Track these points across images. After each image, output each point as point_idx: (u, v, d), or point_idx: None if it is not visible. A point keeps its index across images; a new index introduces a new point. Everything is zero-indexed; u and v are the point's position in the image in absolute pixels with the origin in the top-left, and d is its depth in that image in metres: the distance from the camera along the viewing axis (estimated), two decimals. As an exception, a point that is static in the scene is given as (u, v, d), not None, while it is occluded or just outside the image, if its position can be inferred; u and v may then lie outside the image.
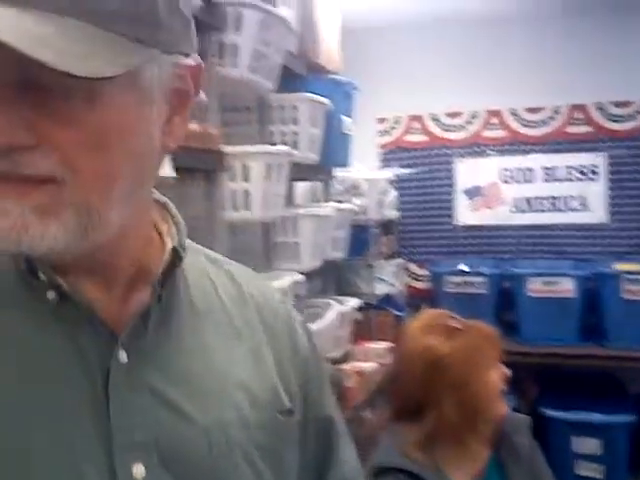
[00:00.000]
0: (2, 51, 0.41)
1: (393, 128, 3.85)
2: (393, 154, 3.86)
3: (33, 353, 0.51)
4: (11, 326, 0.52)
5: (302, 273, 2.15)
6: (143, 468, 0.51)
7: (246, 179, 1.80)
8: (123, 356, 0.53)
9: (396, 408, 1.43)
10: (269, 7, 1.87)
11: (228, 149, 1.74)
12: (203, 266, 0.66)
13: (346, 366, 2.56)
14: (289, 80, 2.21)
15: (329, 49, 2.54)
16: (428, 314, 1.51)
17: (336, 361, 2.45)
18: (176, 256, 0.58)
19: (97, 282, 0.55)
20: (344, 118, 2.57)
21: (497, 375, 1.38)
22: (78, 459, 0.49)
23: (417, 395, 1.36)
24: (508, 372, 1.40)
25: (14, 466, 0.48)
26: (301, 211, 2.23)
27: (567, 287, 3.24)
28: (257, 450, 0.58)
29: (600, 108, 3.56)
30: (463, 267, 3.53)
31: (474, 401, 1.34)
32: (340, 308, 2.44)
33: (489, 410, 1.36)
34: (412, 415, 1.37)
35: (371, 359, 2.75)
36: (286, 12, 2.09)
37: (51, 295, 0.52)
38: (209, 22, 1.71)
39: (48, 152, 0.46)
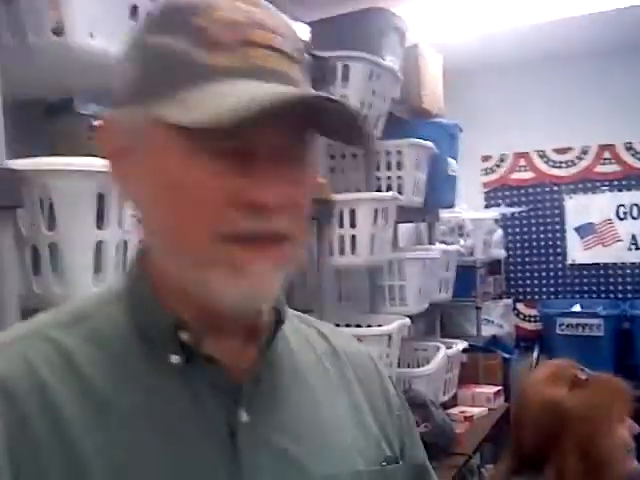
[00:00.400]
0: (276, 119, 0.48)
1: (498, 166, 3.80)
2: (498, 192, 3.79)
3: (164, 417, 0.53)
4: (136, 392, 0.53)
5: (408, 316, 2.16)
6: None
7: (353, 225, 1.85)
8: (244, 416, 0.54)
9: (516, 459, 1.40)
10: (376, 58, 1.94)
11: (337, 197, 1.80)
12: (295, 323, 0.67)
13: (454, 410, 2.52)
14: (394, 126, 2.26)
15: (433, 93, 2.57)
16: (553, 363, 1.48)
17: (444, 405, 2.42)
18: (279, 315, 0.59)
19: (228, 343, 0.56)
20: (449, 160, 2.58)
21: (625, 430, 1.32)
22: None
23: (540, 447, 1.33)
24: (638, 428, 1.34)
25: None
26: (408, 255, 2.25)
27: (693, 329, 3.03)
28: None
29: None
30: (576, 308, 3.39)
31: (599, 456, 1.29)
32: (447, 351, 2.42)
33: (615, 466, 1.30)
34: (533, 468, 1.34)
35: (479, 403, 2.69)
36: (392, 60, 2.15)
37: (175, 359, 0.54)
38: (316, 76, 1.80)
39: (286, 211, 0.51)
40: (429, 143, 2.31)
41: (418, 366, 2.42)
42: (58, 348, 0.54)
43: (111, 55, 0.98)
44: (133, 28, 0.56)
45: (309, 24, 1.96)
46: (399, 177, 2.22)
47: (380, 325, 2.00)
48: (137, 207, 0.57)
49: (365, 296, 2.28)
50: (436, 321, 2.87)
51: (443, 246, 2.62)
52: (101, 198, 0.92)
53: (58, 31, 0.92)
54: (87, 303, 0.59)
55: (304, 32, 1.91)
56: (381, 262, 2.11)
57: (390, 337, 1.96)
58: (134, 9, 1.02)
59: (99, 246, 0.93)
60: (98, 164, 0.89)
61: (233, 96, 0.47)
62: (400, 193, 2.15)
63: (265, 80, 0.50)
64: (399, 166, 2.22)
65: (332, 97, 0.50)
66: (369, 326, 2.04)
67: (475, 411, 2.56)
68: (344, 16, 2.12)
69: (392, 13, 2.20)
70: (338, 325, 2.01)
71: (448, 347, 2.48)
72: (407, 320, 2.05)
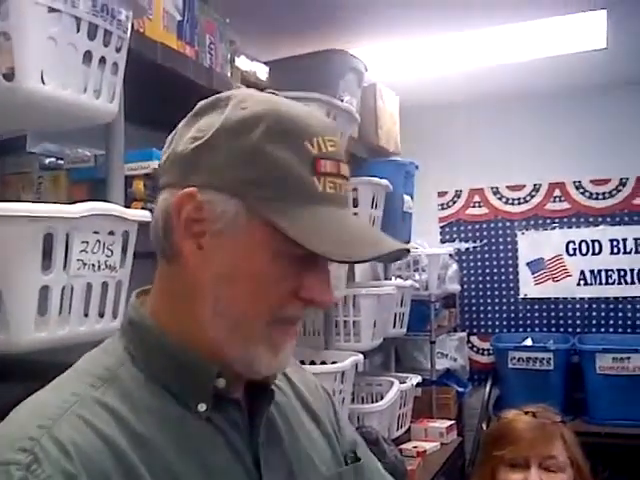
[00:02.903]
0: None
1: (454, 202, 3.89)
2: (454, 227, 3.88)
3: (209, 460, 0.62)
4: (182, 445, 0.61)
5: (363, 351, 2.18)
6: None
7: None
8: (263, 448, 0.66)
9: None
10: (332, 99, 1.98)
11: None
12: None
13: (407, 445, 2.53)
14: (351, 164, 2.29)
15: (389, 131, 2.64)
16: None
17: (397, 440, 2.43)
18: None
19: (239, 390, 0.67)
20: (405, 196, 2.63)
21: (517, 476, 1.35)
22: None
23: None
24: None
25: None
26: (362, 291, 2.27)
27: (639, 364, 3.11)
28: None
29: (668, 179, 3.50)
30: (528, 342, 3.46)
31: None
32: (401, 386, 2.44)
33: None
34: None
35: (432, 438, 2.70)
36: (349, 100, 2.20)
37: (202, 407, 0.63)
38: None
39: None
40: (384, 181, 2.35)
41: (373, 401, 2.43)
42: (108, 410, 0.59)
43: (63, 99, 0.98)
44: (246, 126, 0.62)
45: (267, 64, 2.00)
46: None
47: (334, 362, 2.01)
48: (203, 282, 0.62)
49: (319, 331, 2.29)
50: (391, 355, 2.89)
51: (398, 281, 2.66)
52: (48, 241, 0.92)
53: (9, 77, 0.92)
54: (105, 363, 0.64)
55: (262, 72, 1.94)
56: (336, 298, 2.13)
57: (343, 374, 1.97)
58: (88, 55, 1.03)
59: (44, 291, 0.92)
60: (44, 209, 0.90)
61: (344, 232, 0.62)
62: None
63: (341, 206, 0.64)
64: (355, 203, 2.26)
65: (407, 249, 0.66)
66: (323, 363, 2.05)
67: (428, 446, 2.58)
68: (303, 57, 2.17)
69: (350, 54, 2.26)
70: (292, 361, 2.02)
71: (402, 382, 2.50)
72: (360, 357, 2.07)
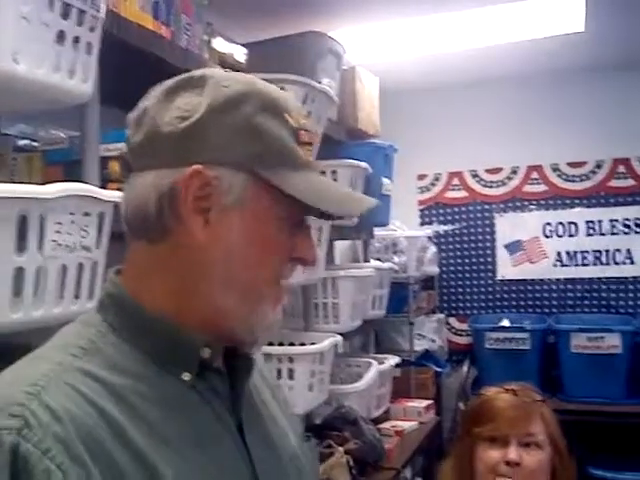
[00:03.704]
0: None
1: (433, 185, 3.91)
2: (433, 210, 3.91)
3: (194, 425, 0.64)
4: (167, 409, 0.63)
5: (342, 333, 2.20)
6: None
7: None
8: (244, 414, 0.70)
9: None
10: (311, 81, 1.98)
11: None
12: None
13: (385, 425, 2.57)
14: (330, 147, 2.30)
15: (368, 114, 2.64)
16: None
17: (376, 420, 2.47)
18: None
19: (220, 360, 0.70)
20: (384, 179, 2.64)
21: (497, 453, 1.37)
22: None
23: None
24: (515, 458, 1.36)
25: None
26: (341, 273, 2.29)
27: (613, 343, 3.18)
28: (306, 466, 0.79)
29: (643, 161, 3.56)
30: (505, 323, 3.51)
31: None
32: (379, 367, 2.47)
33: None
34: None
35: (410, 417, 2.74)
36: (328, 83, 2.19)
37: (186, 376, 0.65)
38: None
39: None
40: (363, 163, 2.36)
41: (352, 382, 2.46)
42: (94, 377, 0.60)
43: (36, 80, 0.98)
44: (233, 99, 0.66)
45: (245, 46, 1.98)
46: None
47: (313, 343, 2.03)
48: (211, 256, 0.65)
49: (299, 313, 2.30)
50: (370, 337, 2.92)
51: (377, 263, 2.68)
52: (22, 222, 0.91)
53: (-20, 56, 0.91)
54: (87, 336, 0.64)
55: (239, 54, 1.93)
56: (315, 280, 2.14)
57: (322, 355, 1.99)
58: (61, 34, 1.02)
59: (18, 272, 0.92)
60: (17, 189, 0.89)
61: (334, 192, 0.70)
62: (336, 218, 2.18)
63: (318, 171, 0.72)
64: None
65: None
66: (302, 344, 2.06)
67: (406, 425, 2.61)
68: (281, 39, 2.16)
69: (329, 37, 2.25)
70: (272, 344, 2.03)
71: (381, 363, 2.53)
72: (339, 338, 2.09)
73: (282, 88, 1.94)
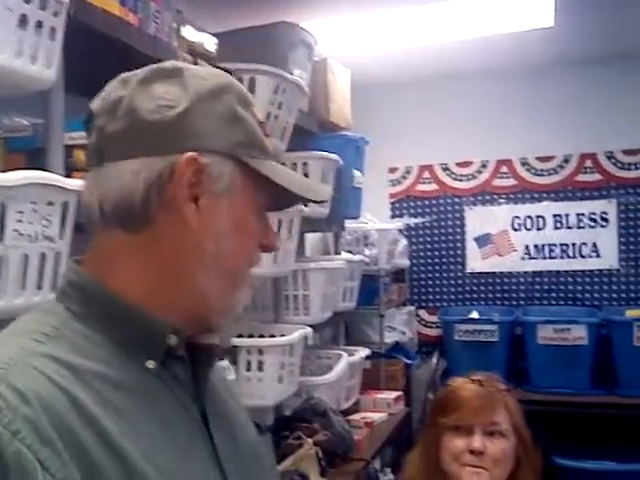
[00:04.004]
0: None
1: (404, 178, 3.93)
2: (404, 203, 3.93)
3: (160, 413, 0.64)
4: (133, 395, 0.62)
5: (312, 325, 2.20)
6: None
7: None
8: (207, 402, 0.70)
9: None
10: (282, 72, 1.96)
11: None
12: None
13: (355, 416, 2.58)
14: (301, 138, 2.29)
15: (340, 106, 2.64)
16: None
17: (345, 412, 2.47)
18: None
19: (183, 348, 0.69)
20: (355, 172, 2.64)
21: (461, 442, 1.39)
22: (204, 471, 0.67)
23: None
24: (479, 446, 1.38)
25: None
26: (312, 265, 2.29)
27: (578, 334, 3.24)
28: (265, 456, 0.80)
29: (609, 156, 3.62)
30: (474, 315, 3.55)
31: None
32: (349, 359, 2.47)
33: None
34: None
35: (380, 409, 2.76)
36: (299, 74, 2.18)
37: (151, 364, 0.65)
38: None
39: None
40: (334, 155, 2.36)
41: (322, 374, 2.46)
42: (61, 363, 0.59)
43: (-3, 64, 0.95)
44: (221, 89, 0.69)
45: (216, 35, 1.96)
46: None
47: (283, 335, 2.03)
48: (198, 242, 0.66)
49: (269, 306, 2.30)
50: (340, 329, 2.93)
51: (348, 256, 2.68)
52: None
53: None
54: (49, 323, 0.63)
55: (210, 43, 1.90)
56: (285, 272, 2.14)
57: (292, 347, 1.99)
58: (23, 18, 1.00)
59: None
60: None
61: (303, 181, 0.80)
62: (305, 204, 2.19)
63: (281, 162, 0.76)
64: (305, 177, 2.26)
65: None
66: (272, 336, 2.06)
67: (375, 416, 2.63)
68: (253, 29, 2.14)
69: (301, 27, 2.24)
70: (241, 335, 2.02)
71: (351, 354, 2.54)
72: (309, 330, 2.09)
73: (253, 78, 1.94)
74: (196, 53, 1.76)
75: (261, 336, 2.08)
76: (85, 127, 0.69)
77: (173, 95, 0.65)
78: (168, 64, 0.69)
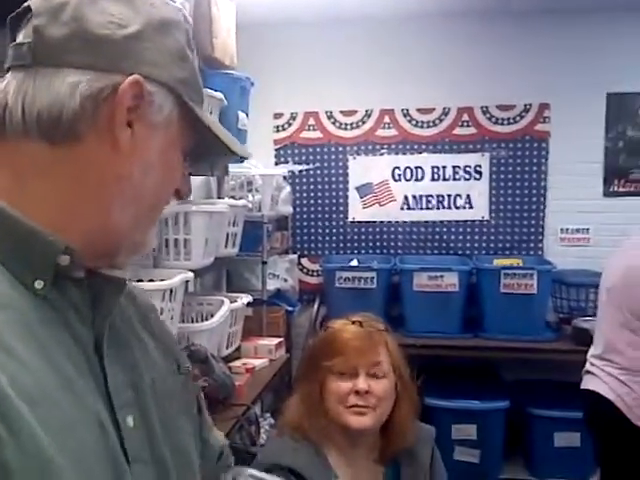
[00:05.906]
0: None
1: (289, 124, 3.87)
2: (288, 150, 3.88)
3: (45, 342, 0.59)
4: (17, 320, 0.57)
5: (193, 270, 2.13)
6: (131, 419, 0.66)
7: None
8: (106, 334, 0.66)
9: None
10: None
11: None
12: None
13: (236, 363, 2.56)
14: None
15: (225, 43, 2.51)
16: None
17: (227, 358, 2.45)
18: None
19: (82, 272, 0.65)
20: (240, 114, 2.55)
21: (346, 384, 1.41)
22: (92, 410, 0.61)
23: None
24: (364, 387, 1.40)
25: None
26: (193, 207, 2.20)
27: (451, 281, 3.40)
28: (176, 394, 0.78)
29: (485, 111, 3.76)
30: (354, 262, 3.62)
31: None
32: (231, 305, 2.43)
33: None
34: None
35: (261, 355, 2.76)
36: (181, 3, 2.04)
37: (39, 284, 0.60)
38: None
39: None
40: (219, 94, 2.26)
41: (203, 320, 2.41)
42: None
43: None
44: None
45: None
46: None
47: (163, 279, 1.94)
48: (124, 169, 0.64)
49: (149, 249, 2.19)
50: (222, 275, 2.88)
51: (231, 200, 2.61)
52: None
53: None
54: None
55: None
56: (166, 214, 2.04)
57: (172, 292, 1.92)
58: None
59: None
60: None
61: (228, 134, 0.74)
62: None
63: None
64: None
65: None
66: (151, 280, 1.97)
67: (257, 362, 2.63)
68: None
69: (182, -48, 2.08)
70: (117, 280, 1.91)
71: (233, 301, 2.50)
72: (190, 274, 2.02)
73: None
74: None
75: (139, 280, 1.98)
76: (13, 22, 0.64)
77: (124, 15, 0.63)
78: None
